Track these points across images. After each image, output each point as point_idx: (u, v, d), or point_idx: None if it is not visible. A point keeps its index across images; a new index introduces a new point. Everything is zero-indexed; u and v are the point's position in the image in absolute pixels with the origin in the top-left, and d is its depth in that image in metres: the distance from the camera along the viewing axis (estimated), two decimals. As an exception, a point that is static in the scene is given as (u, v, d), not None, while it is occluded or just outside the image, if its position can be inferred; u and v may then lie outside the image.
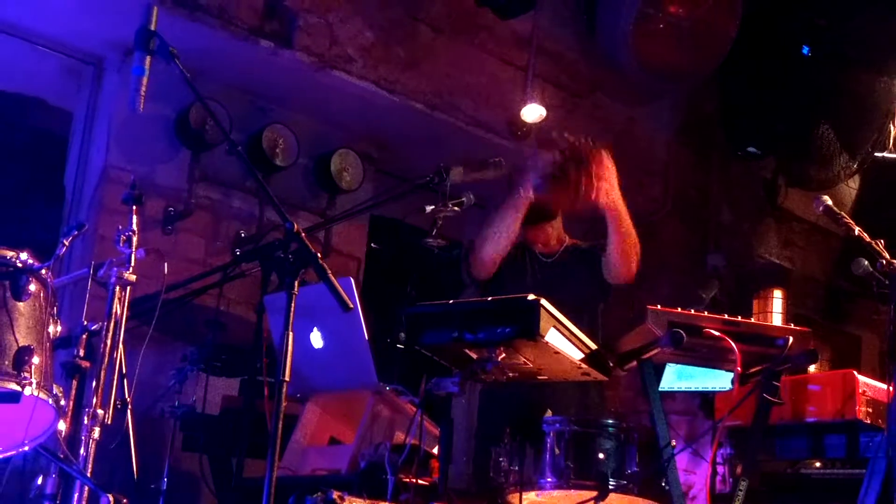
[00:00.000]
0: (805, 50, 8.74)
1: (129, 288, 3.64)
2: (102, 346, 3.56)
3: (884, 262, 4.17)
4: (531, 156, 4.88)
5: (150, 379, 6.07)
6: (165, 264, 3.78)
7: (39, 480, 3.50)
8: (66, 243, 3.73)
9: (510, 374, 3.68)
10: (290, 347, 3.35)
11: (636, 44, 7.82)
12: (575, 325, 4.44)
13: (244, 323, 5.86)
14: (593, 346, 3.67)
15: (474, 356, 3.62)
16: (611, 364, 3.76)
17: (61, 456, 3.44)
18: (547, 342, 3.45)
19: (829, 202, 4.43)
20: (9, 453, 3.49)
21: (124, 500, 3.33)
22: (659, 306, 3.63)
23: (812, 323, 8.17)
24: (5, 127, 7.83)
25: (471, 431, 4.97)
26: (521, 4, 7.31)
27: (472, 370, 3.63)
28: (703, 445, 4.39)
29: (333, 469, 4.33)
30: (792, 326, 3.78)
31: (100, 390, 3.51)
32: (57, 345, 3.51)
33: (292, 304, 3.40)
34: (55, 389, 3.35)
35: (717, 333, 3.58)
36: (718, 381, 4.08)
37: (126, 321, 3.63)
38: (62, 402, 3.39)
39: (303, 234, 3.43)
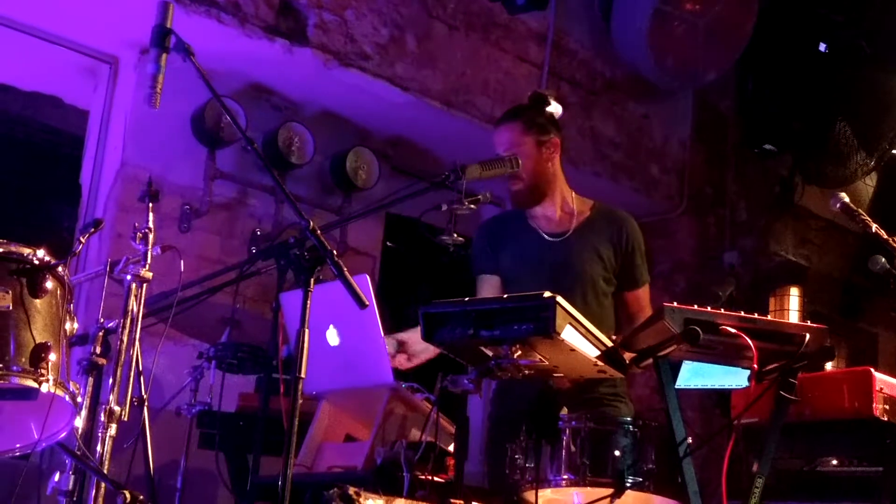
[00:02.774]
0: (822, 46, 8.72)
1: (145, 285, 3.64)
2: (119, 343, 3.56)
3: (901, 258, 4.16)
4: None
5: (166, 376, 6.10)
6: (181, 262, 3.78)
7: (56, 477, 3.50)
8: (83, 240, 3.74)
9: (526, 372, 3.68)
10: (305, 345, 3.35)
11: (652, 41, 7.81)
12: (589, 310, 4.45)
13: (260, 320, 5.87)
14: (609, 344, 3.67)
15: (490, 353, 3.62)
16: (627, 361, 3.76)
17: (78, 453, 3.45)
18: (563, 339, 3.45)
19: (846, 199, 4.41)
20: (26, 450, 3.50)
21: (140, 498, 3.33)
22: (675, 303, 3.62)
23: (829, 320, 8.15)
24: (22, 125, 7.88)
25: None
26: (533, 1, 7.30)
27: (488, 367, 3.63)
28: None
29: (349, 466, 4.33)
30: (808, 324, 3.75)
31: (116, 387, 3.52)
32: (73, 342, 3.52)
33: (308, 302, 3.40)
34: (72, 386, 3.36)
35: (733, 331, 3.56)
36: (735, 378, 4.07)
37: (142, 318, 3.64)
38: (79, 399, 3.39)
39: (318, 232, 3.43)
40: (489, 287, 4.81)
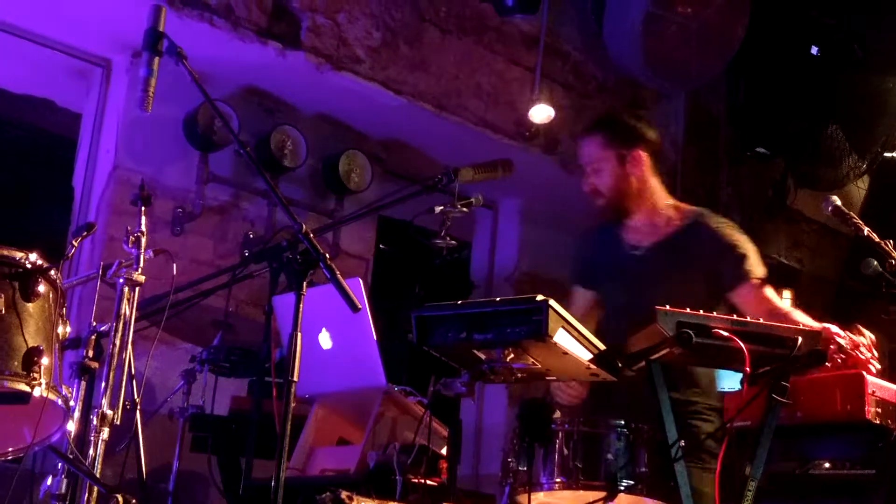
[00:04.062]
0: (814, 50, 8.73)
1: (137, 289, 3.64)
2: (111, 346, 3.56)
3: (893, 262, 4.16)
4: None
5: (158, 380, 6.09)
6: (174, 265, 3.78)
7: (49, 481, 3.50)
8: (76, 244, 3.74)
9: (519, 375, 3.68)
10: (298, 348, 3.35)
11: (644, 44, 7.81)
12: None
13: (253, 324, 5.87)
14: (602, 347, 3.67)
15: (482, 357, 3.62)
16: (619, 365, 3.75)
17: (70, 456, 3.45)
18: (555, 343, 3.45)
19: (839, 202, 4.41)
20: (19, 454, 3.49)
21: (133, 501, 3.33)
22: (667, 306, 3.63)
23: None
24: (14, 128, 7.86)
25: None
26: (523, 4, 7.30)
27: (481, 371, 3.63)
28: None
29: (342, 469, 4.34)
30: (801, 327, 3.77)
31: (108, 391, 3.52)
32: (66, 345, 3.52)
33: (301, 305, 3.40)
34: (64, 390, 3.35)
35: (725, 334, 3.57)
36: (727, 381, 4.07)
37: (135, 322, 3.63)
38: (71, 403, 3.39)
39: (311, 235, 3.43)
40: (578, 299, 4.79)
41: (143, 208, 3.76)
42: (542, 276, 8.38)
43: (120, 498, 3.31)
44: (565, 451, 3.75)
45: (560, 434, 3.77)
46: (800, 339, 3.63)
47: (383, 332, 4.48)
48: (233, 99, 6.72)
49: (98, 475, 3.45)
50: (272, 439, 3.30)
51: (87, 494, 3.44)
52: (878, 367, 4.13)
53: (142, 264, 3.65)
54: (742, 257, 4.56)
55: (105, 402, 3.51)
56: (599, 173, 4.67)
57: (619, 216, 4.71)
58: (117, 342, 3.57)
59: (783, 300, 4.56)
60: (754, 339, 3.60)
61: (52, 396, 3.27)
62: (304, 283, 3.44)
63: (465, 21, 7.46)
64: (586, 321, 4.55)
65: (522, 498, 3.76)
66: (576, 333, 3.54)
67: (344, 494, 3.57)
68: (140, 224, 3.70)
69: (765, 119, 9.00)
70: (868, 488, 4.19)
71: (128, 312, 3.61)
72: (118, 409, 3.53)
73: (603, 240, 4.80)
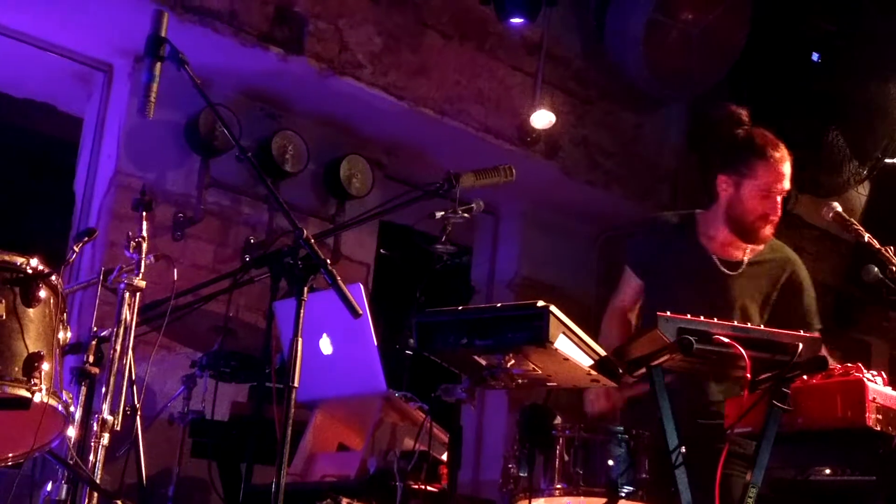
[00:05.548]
0: (815, 56, 8.73)
1: (138, 294, 3.64)
2: (112, 352, 3.56)
3: (894, 268, 4.15)
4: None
5: (159, 385, 6.09)
6: (175, 270, 3.78)
7: (49, 487, 3.50)
8: (77, 249, 3.74)
9: (519, 381, 3.67)
10: (299, 354, 3.35)
11: (646, 50, 7.82)
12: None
13: (253, 329, 5.87)
14: (602, 353, 3.66)
15: (483, 362, 3.61)
16: (620, 371, 3.75)
17: (70, 462, 3.45)
18: (556, 349, 3.44)
19: (839, 209, 4.41)
20: (19, 459, 3.49)
21: (133, 507, 3.33)
22: (668, 312, 3.63)
23: (822, 329, 8.14)
24: (16, 133, 7.86)
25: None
26: (522, 8, 7.29)
27: (482, 376, 3.63)
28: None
29: (342, 475, 4.33)
30: (801, 333, 3.77)
31: (109, 396, 3.52)
32: (66, 351, 3.52)
33: (301, 311, 3.40)
34: (65, 395, 3.35)
35: (726, 340, 3.57)
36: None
37: (135, 327, 3.63)
38: (71, 409, 3.39)
39: (312, 241, 3.43)
40: (630, 285, 4.77)
41: (143, 213, 3.75)
42: (543, 281, 8.38)
43: (120, 503, 3.30)
44: (566, 457, 3.74)
45: (561, 440, 3.77)
46: (801, 346, 3.64)
47: (384, 338, 4.48)
48: (234, 104, 6.72)
49: (98, 481, 3.45)
50: (272, 445, 3.29)
51: (87, 500, 3.43)
52: None
53: (143, 269, 3.65)
54: (813, 304, 4.70)
55: (105, 407, 3.51)
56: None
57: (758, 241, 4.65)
58: (118, 347, 3.57)
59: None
60: (755, 345, 3.61)
61: (52, 402, 3.27)
62: (305, 289, 3.43)
63: (467, 27, 7.46)
64: (631, 310, 4.72)
65: (523, 504, 3.76)
66: (576, 339, 3.53)
67: (344, 501, 3.57)
68: (141, 229, 3.70)
69: (766, 125, 8.99)
70: (868, 495, 4.19)
71: (128, 318, 3.61)
72: (118, 414, 3.53)
73: (680, 245, 4.70)
